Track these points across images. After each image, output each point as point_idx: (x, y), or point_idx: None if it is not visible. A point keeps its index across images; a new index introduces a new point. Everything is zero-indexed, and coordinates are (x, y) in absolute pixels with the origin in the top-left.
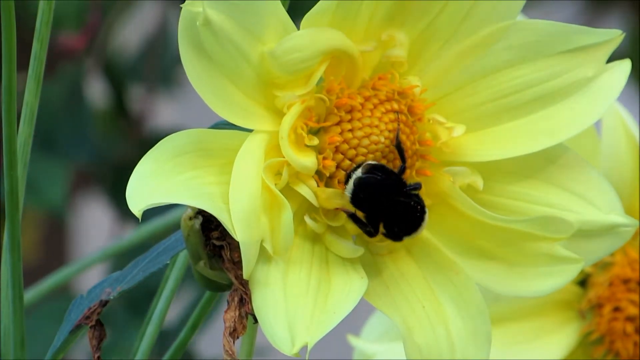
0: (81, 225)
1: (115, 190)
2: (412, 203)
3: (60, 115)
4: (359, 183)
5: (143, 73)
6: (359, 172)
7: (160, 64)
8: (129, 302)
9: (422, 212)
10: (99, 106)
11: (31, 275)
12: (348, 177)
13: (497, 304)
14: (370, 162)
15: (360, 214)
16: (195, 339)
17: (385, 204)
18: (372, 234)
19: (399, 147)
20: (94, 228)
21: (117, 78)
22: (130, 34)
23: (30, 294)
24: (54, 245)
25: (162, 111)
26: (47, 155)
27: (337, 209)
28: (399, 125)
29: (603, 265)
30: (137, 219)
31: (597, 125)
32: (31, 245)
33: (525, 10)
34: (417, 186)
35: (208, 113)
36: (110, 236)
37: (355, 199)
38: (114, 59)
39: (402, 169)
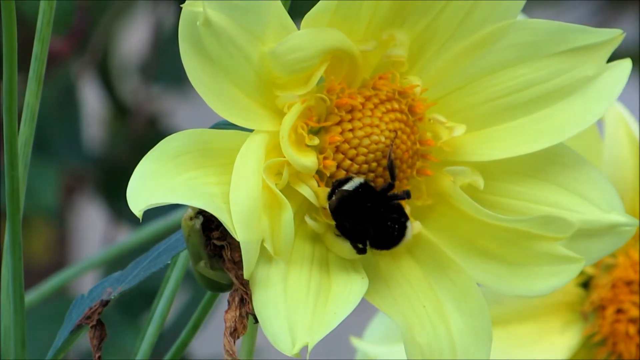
0: (75, 228)
1: (108, 192)
2: (389, 223)
3: (52, 119)
4: (337, 203)
5: (143, 73)
6: (341, 190)
7: (159, 64)
8: (123, 304)
9: (402, 229)
10: (93, 108)
11: (32, 276)
12: (333, 190)
13: (500, 305)
14: (347, 189)
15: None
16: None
17: (362, 224)
18: (358, 248)
19: (390, 166)
20: (88, 230)
21: (112, 79)
22: (128, 34)
23: (32, 296)
24: (55, 247)
25: (161, 112)
26: (39, 158)
27: (325, 208)
28: (392, 145)
29: (606, 267)
30: (131, 221)
31: (600, 126)
32: (32, 246)
33: (537, 9)
34: (403, 196)
35: (209, 113)
36: (104, 238)
37: (335, 214)
38: (109, 60)
39: (390, 186)
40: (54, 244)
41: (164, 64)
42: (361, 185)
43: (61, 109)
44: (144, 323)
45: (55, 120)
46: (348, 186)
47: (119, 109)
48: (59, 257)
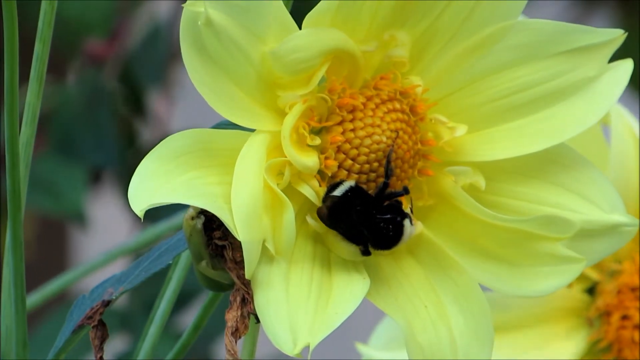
0: (99, 226)
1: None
2: (382, 224)
3: (80, 120)
4: (327, 210)
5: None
6: (333, 194)
7: (154, 62)
8: (150, 308)
9: (397, 229)
10: (116, 107)
11: (32, 276)
12: (326, 195)
13: (506, 311)
14: (336, 194)
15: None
16: (215, 344)
17: (355, 227)
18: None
19: (386, 164)
20: (113, 228)
21: (134, 79)
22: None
23: (35, 297)
24: (55, 246)
25: (176, 112)
26: (67, 159)
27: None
28: (393, 144)
29: (611, 273)
30: (152, 220)
31: (606, 132)
32: (32, 245)
33: None
34: (402, 192)
35: (210, 113)
36: (128, 237)
37: (327, 222)
38: (130, 60)
39: (385, 185)
40: (58, 242)
41: (149, 62)
42: (350, 188)
43: (89, 110)
44: (175, 328)
45: (83, 121)
46: (337, 192)
47: (140, 108)
48: (63, 256)
